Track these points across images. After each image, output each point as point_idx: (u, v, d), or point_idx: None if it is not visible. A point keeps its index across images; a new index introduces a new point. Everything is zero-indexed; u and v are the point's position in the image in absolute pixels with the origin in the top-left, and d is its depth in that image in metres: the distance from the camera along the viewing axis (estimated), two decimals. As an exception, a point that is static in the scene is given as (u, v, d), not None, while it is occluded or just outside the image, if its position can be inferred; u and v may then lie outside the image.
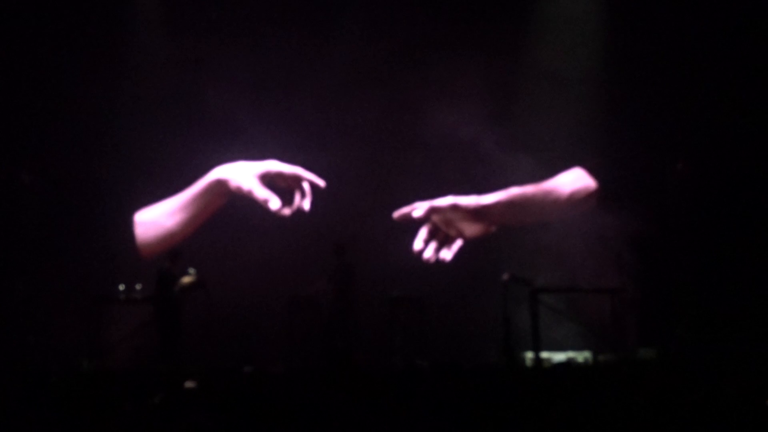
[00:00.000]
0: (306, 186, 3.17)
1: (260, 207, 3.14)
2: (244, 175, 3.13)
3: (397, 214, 3.11)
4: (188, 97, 11.01)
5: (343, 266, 10.58)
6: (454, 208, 3.08)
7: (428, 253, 3.12)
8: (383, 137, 11.27)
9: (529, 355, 9.59)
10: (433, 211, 3.08)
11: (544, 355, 9.51)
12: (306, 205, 3.16)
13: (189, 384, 5.71)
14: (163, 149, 10.64)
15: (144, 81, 11.01)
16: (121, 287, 10.04)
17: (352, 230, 10.64)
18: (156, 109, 10.94)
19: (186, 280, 9.97)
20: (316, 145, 10.02)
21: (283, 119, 10.87)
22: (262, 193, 3.09)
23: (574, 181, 3.20)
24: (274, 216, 3.16)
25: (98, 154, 10.80)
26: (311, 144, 10.01)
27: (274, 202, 3.07)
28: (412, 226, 3.11)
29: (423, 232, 3.12)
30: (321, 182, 3.17)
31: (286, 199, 3.13)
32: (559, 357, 9.60)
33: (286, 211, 3.12)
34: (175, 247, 8.27)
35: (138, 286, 10.07)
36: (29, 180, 10.90)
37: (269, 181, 3.15)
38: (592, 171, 3.24)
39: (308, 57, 11.20)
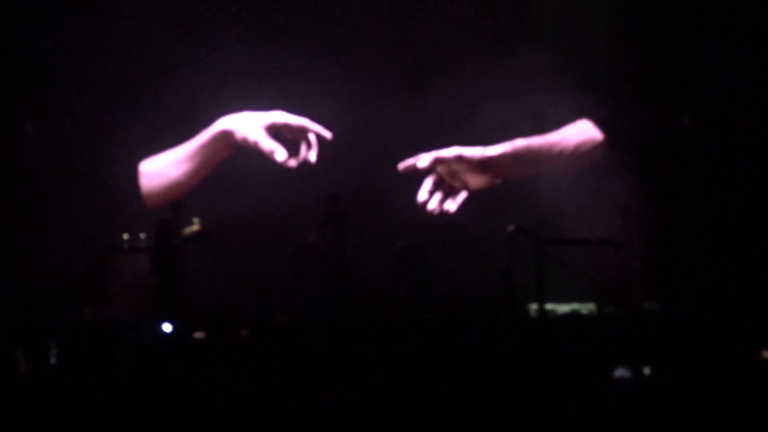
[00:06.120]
0: (312, 138, 3.13)
1: (265, 158, 3.10)
2: (250, 125, 3.08)
3: (402, 165, 3.09)
4: (194, 46, 10.89)
5: (334, 216, 10.37)
6: (459, 159, 3.06)
7: (432, 204, 3.10)
8: (389, 88, 11.14)
9: (534, 306, 9.60)
10: (437, 161, 3.05)
11: (549, 306, 9.52)
12: (312, 156, 3.13)
13: (198, 335, 5.74)
14: (168, 99, 10.55)
15: (149, 29, 10.87)
16: (126, 236, 10.03)
17: (357, 182, 10.56)
18: (160, 58, 10.81)
19: (190, 229, 9.88)
20: (320, 95, 9.91)
21: (288, 69, 10.76)
22: (268, 144, 3.06)
23: (580, 133, 3.18)
24: (278, 167, 3.13)
25: (102, 103, 10.73)
26: (315, 95, 9.90)
27: (280, 154, 3.05)
28: (417, 178, 3.09)
29: (428, 183, 3.10)
30: (327, 134, 3.13)
31: (292, 150, 3.10)
32: (563, 309, 9.61)
33: (292, 163, 3.10)
34: (178, 197, 8.19)
35: (142, 236, 10.05)
36: (33, 129, 10.86)
37: (275, 132, 3.11)
38: (598, 123, 3.21)
39: (315, 5, 11.06)
